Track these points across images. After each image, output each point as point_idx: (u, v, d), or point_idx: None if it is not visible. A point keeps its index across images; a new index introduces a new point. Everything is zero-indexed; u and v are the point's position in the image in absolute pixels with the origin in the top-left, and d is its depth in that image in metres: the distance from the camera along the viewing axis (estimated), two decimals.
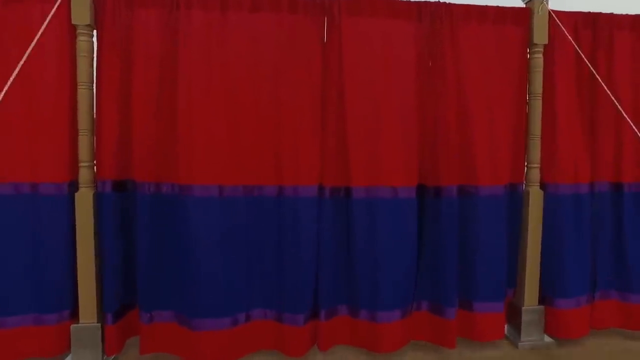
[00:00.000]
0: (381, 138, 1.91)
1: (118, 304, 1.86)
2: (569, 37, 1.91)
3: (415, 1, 1.94)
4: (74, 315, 1.84)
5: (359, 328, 1.95)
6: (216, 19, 1.82)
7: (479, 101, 1.99)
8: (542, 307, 2.09)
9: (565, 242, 2.05)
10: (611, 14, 2.06)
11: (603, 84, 1.96)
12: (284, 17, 1.86)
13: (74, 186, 1.81)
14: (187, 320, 1.84)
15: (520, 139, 2.08)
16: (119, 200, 1.86)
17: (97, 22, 1.80)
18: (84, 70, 1.78)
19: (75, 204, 1.79)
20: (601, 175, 2.09)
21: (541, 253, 2.07)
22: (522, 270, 2.10)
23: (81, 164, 1.81)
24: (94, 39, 1.82)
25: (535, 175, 2.07)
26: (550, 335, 2.11)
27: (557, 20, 1.98)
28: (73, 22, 1.75)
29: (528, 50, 2.06)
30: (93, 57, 1.82)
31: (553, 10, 2.01)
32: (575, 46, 1.90)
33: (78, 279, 1.81)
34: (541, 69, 2.03)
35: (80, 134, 1.80)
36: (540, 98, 2.04)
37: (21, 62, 1.60)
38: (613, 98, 1.96)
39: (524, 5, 2.07)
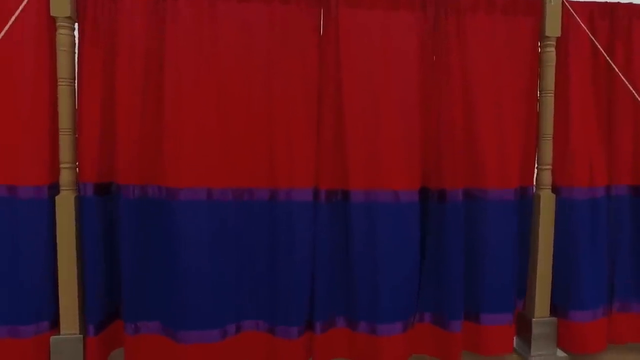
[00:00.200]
0: (381, 138, 1.79)
1: (101, 314, 1.76)
2: (585, 27, 1.76)
3: None
4: (54, 326, 1.74)
5: (358, 341, 1.83)
6: (205, 11, 1.71)
7: (486, 98, 1.86)
8: (554, 319, 1.96)
9: (580, 249, 1.91)
10: (630, 3, 1.92)
11: (623, 78, 1.81)
12: (276, 7, 1.74)
13: (54, 189, 1.71)
14: (173, 333, 1.74)
15: (531, 138, 1.95)
16: (102, 204, 1.76)
17: (79, 13, 1.70)
18: (64, 65, 1.68)
19: (56, 208, 1.68)
20: (619, 177, 1.95)
21: (553, 261, 1.94)
22: (532, 279, 1.96)
23: (62, 166, 1.70)
24: (76, 32, 1.72)
25: (547, 177, 1.93)
26: (564, 350, 1.97)
27: (572, 10, 1.85)
28: (52, 13, 1.64)
29: (539, 44, 1.93)
30: (74, 52, 1.71)
31: (567, 0, 1.87)
32: (592, 37, 1.76)
33: (59, 287, 1.70)
34: (554, 64, 1.89)
35: (61, 133, 1.69)
36: (553, 94, 1.90)
37: None
38: (635, 93, 1.81)
39: None
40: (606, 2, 1.91)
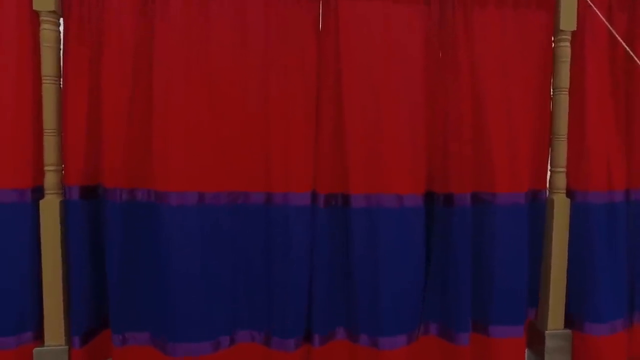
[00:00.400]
0: (384, 138, 1.69)
1: (87, 324, 1.68)
2: (604, 20, 1.64)
3: None
4: (38, 337, 1.65)
5: (359, 355, 1.73)
6: (197, 6, 1.62)
7: (496, 96, 1.75)
8: (569, 331, 1.84)
9: (597, 257, 1.79)
10: None
11: None
12: (271, 0, 1.65)
13: (38, 192, 1.63)
14: (163, 344, 1.65)
15: (544, 139, 1.84)
16: (89, 209, 1.67)
17: (64, 8, 1.61)
18: (49, 62, 1.59)
19: (40, 213, 1.60)
20: (639, 180, 1.84)
21: (568, 270, 1.82)
22: (545, 289, 1.85)
23: (47, 168, 1.62)
24: (61, 28, 1.63)
25: (560, 180, 1.82)
26: None
27: (589, 2, 1.73)
28: (35, 7, 1.56)
29: (553, 38, 1.82)
30: (60, 48, 1.63)
31: None
32: (612, 31, 1.64)
33: (43, 296, 1.62)
34: (568, 60, 1.77)
35: (45, 134, 1.61)
36: (567, 92, 1.79)
37: None
38: None
39: None
40: None
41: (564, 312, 1.83)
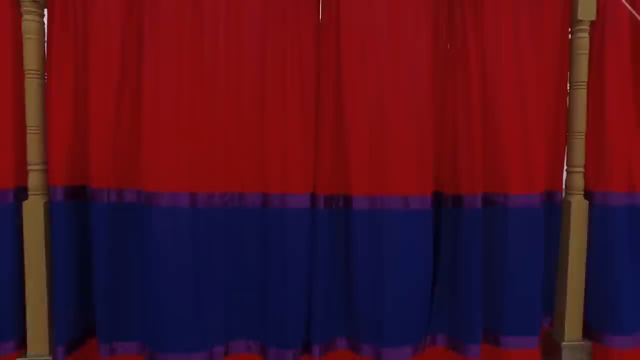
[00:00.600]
0: (388, 136, 1.60)
1: (72, 333, 1.59)
2: (628, 6, 1.53)
3: None
4: (21, 346, 1.58)
5: None
6: None
7: (508, 91, 1.66)
8: (588, 343, 1.72)
9: (618, 263, 1.69)
10: None
11: None
12: None
13: (21, 193, 1.55)
14: (153, 355, 1.56)
15: (560, 137, 1.75)
16: (74, 210, 1.59)
17: None
18: (32, 55, 1.51)
19: (23, 215, 1.53)
20: None
21: (586, 277, 1.72)
22: (561, 296, 1.74)
23: (30, 168, 1.55)
24: (45, 18, 1.55)
25: (578, 181, 1.72)
26: None
27: None
28: None
29: (570, 29, 1.72)
30: (43, 41, 1.55)
31: None
32: (638, 17, 1.52)
33: (27, 303, 1.54)
34: (587, 51, 1.68)
35: (28, 132, 1.54)
36: (585, 87, 1.70)
37: None
38: None
39: None
40: None
41: (582, 322, 1.72)
